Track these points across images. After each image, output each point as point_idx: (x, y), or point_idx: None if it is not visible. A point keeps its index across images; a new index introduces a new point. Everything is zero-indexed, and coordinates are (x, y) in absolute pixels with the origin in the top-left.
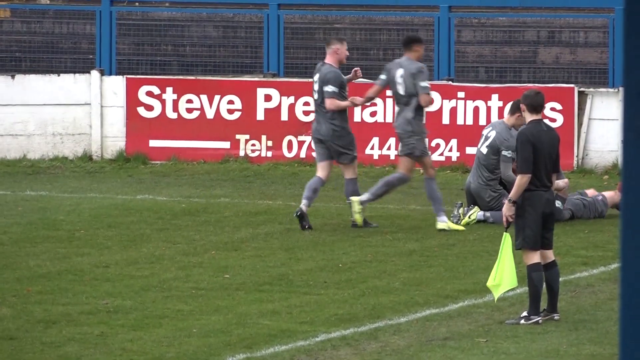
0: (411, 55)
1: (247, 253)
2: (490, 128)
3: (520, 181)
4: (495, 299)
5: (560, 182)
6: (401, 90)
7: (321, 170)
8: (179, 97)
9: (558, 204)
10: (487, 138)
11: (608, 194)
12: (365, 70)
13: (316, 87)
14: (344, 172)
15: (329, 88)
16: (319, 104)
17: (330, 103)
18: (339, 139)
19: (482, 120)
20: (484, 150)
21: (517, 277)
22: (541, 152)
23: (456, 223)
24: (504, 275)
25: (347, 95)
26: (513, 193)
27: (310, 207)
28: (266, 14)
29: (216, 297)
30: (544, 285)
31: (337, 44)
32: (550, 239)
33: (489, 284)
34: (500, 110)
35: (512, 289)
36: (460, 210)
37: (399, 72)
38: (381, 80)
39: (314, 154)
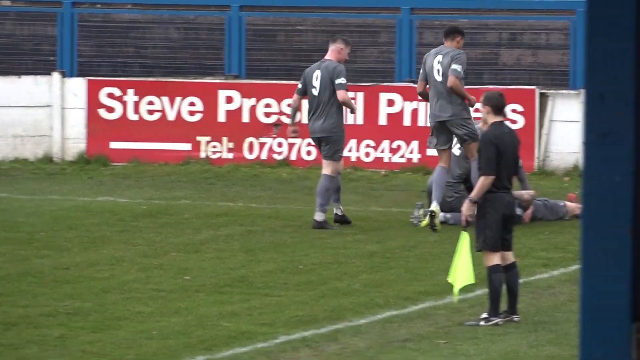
0: (452, 44)
1: (207, 255)
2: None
3: (484, 182)
4: (455, 295)
5: (526, 194)
6: (439, 77)
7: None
8: (140, 99)
9: (519, 211)
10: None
11: (570, 204)
12: None
13: (316, 83)
14: (324, 168)
15: (342, 80)
16: (321, 99)
17: (343, 94)
18: (334, 136)
19: None
20: (457, 152)
21: (474, 274)
22: (504, 154)
23: (416, 224)
24: (459, 271)
25: None
26: (475, 193)
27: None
28: (228, 16)
29: (176, 299)
30: (504, 286)
31: (342, 44)
32: (510, 240)
33: (449, 279)
34: None
35: (470, 288)
36: (421, 212)
37: (437, 59)
38: (420, 74)
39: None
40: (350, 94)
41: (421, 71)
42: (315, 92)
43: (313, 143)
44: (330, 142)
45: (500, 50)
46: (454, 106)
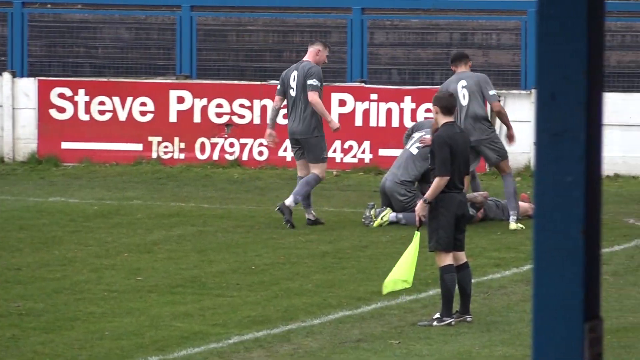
0: (466, 68)
1: (159, 255)
2: (424, 132)
3: (439, 183)
4: (384, 287)
5: (479, 197)
6: (464, 101)
7: (301, 169)
8: (91, 99)
9: (472, 211)
10: (418, 140)
11: (522, 204)
12: (278, 72)
13: (293, 84)
14: (312, 169)
15: (313, 82)
16: (297, 100)
17: (313, 96)
18: (314, 139)
19: (395, 122)
20: (414, 150)
21: (413, 277)
22: (456, 155)
23: (368, 225)
24: (398, 266)
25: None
26: (430, 194)
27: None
28: (179, 16)
29: (128, 299)
30: (457, 287)
31: (320, 46)
32: (462, 240)
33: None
34: (413, 112)
35: (423, 288)
36: (372, 212)
37: (461, 84)
38: None
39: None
40: None
41: None
42: (292, 93)
43: (291, 143)
44: (310, 145)
45: (451, 50)
46: (480, 128)
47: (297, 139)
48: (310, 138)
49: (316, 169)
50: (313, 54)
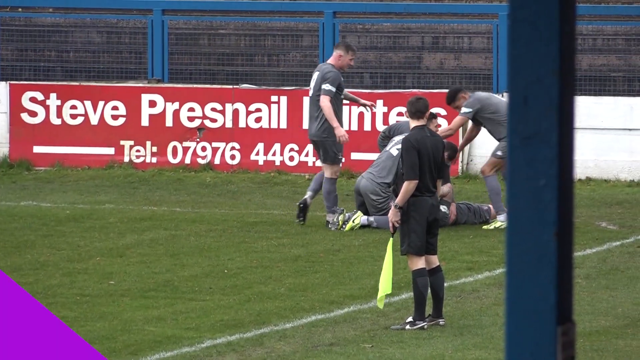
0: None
1: (132, 259)
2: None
3: (408, 187)
4: (379, 303)
5: (445, 187)
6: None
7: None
8: (62, 103)
9: (443, 208)
10: (399, 143)
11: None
12: (250, 76)
13: (312, 84)
14: (324, 171)
15: (327, 86)
16: (312, 101)
17: (324, 100)
18: (326, 140)
19: (367, 126)
20: (394, 152)
21: (391, 285)
22: (425, 158)
23: (336, 229)
24: (380, 281)
25: (342, 99)
26: (400, 199)
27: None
28: (150, 20)
29: (101, 303)
30: (429, 290)
31: (342, 51)
32: (434, 244)
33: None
34: (385, 116)
35: (395, 292)
36: (341, 217)
37: (489, 94)
38: (468, 112)
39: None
40: (274, 98)
41: (468, 110)
42: (310, 93)
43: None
44: (323, 146)
45: (423, 53)
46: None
47: (313, 140)
48: (321, 140)
49: (327, 171)
50: (335, 58)
